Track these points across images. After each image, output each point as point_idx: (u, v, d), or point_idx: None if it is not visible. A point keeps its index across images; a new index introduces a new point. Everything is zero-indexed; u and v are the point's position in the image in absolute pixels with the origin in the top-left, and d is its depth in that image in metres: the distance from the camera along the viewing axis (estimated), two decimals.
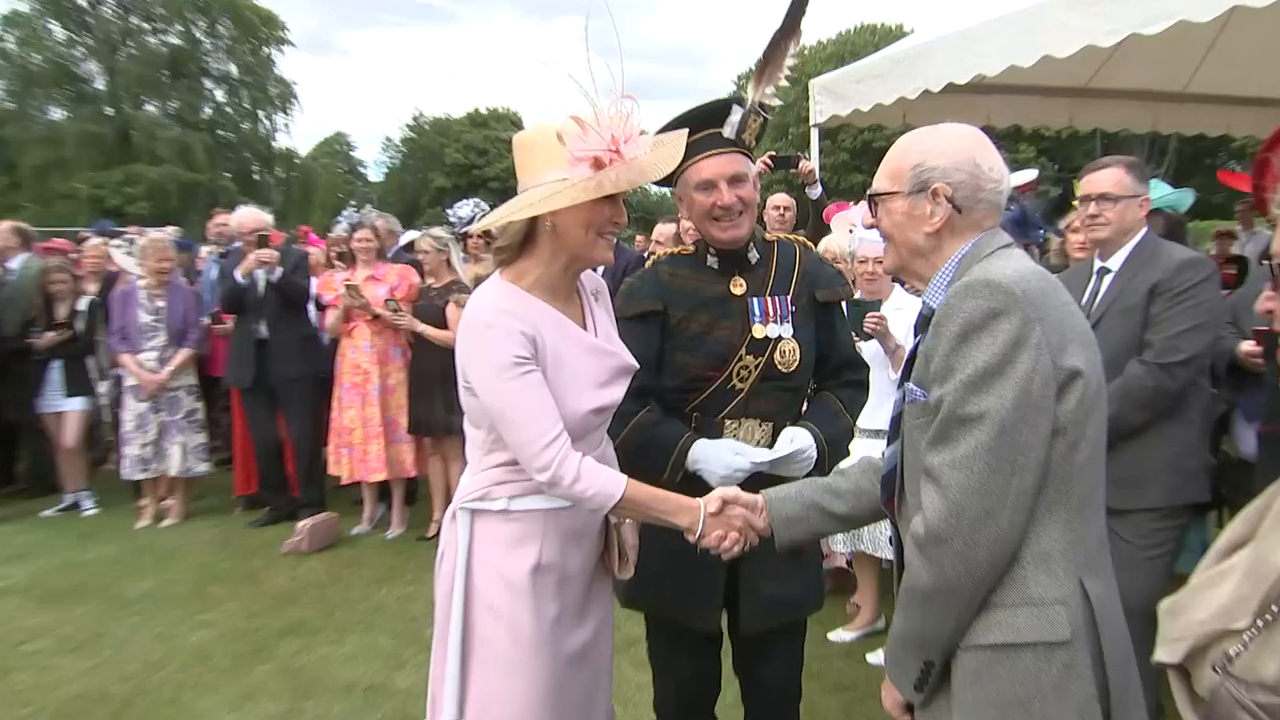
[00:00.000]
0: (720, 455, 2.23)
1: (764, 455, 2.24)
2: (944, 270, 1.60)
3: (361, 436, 5.67)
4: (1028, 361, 1.41)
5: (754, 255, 2.36)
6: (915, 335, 1.68)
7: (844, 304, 2.45)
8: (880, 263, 3.94)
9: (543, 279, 1.96)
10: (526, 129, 1.96)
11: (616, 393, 2.01)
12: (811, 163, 5.72)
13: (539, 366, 1.87)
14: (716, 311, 2.30)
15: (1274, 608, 0.98)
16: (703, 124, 2.19)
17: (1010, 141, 27.44)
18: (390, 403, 5.70)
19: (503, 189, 45.07)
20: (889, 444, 1.69)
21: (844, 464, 2.16)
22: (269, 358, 5.87)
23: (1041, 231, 3.37)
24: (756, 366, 2.28)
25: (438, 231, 5.79)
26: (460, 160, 47.70)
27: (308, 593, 4.86)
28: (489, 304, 1.90)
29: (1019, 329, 1.41)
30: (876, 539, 3.87)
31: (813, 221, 5.58)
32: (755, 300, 2.31)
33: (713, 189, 2.22)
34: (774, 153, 5.50)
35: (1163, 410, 2.81)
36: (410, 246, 6.38)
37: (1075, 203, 3.17)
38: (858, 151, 31.87)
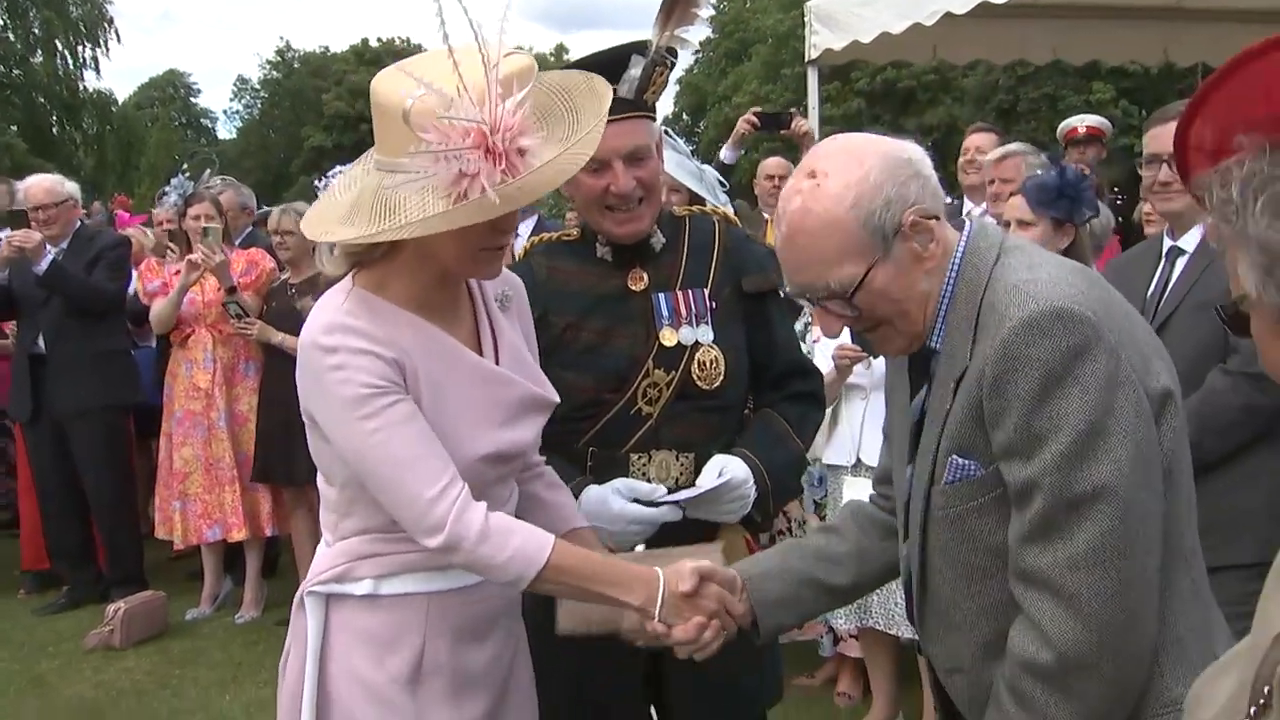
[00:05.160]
0: (605, 505, 2.23)
1: (677, 494, 2.26)
2: (943, 294, 1.62)
3: (203, 483, 5.63)
4: (1128, 405, 1.44)
5: (658, 241, 2.40)
6: (918, 389, 1.71)
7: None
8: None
9: (409, 291, 1.90)
10: (382, 76, 1.81)
11: (523, 434, 1.98)
12: (808, 122, 5.81)
13: (409, 396, 1.83)
14: (611, 315, 2.34)
15: (1266, 690, 0.98)
16: None
17: (1081, 80, 28.03)
18: (242, 436, 5.69)
19: None
20: (904, 539, 1.72)
21: (833, 519, 2.18)
22: (46, 380, 5.79)
23: (1091, 209, 3.33)
24: (669, 384, 2.32)
25: (305, 207, 5.75)
26: (344, 110, 47.37)
27: (122, 705, 4.78)
28: (328, 321, 1.84)
29: (1108, 365, 1.44)
30: (890, 611, 3.90)
31: None
32: (661, 297, 2.36)
33: (605, 170, 2.24)
34: (759, 109, 5.57)
35: (1256, 435, 2.87)
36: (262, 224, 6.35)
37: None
38: (876, 95, 32.21)
